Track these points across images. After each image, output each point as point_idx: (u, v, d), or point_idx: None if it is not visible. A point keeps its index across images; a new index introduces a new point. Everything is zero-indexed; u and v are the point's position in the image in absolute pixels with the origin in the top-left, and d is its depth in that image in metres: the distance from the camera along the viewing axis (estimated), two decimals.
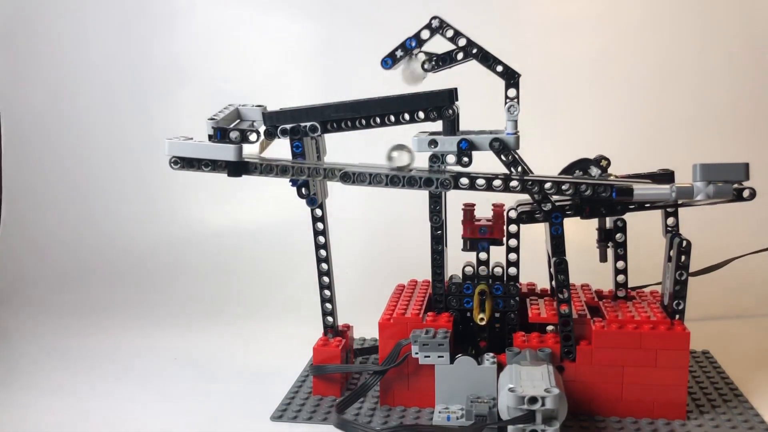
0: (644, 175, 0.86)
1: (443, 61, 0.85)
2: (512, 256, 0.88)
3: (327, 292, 0.92)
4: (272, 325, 1.19)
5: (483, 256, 0.89)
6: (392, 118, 0.82)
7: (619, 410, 0.83)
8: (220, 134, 0.82)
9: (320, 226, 0.90)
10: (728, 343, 1.06)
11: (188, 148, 0.83)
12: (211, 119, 0.83)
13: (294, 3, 1.62)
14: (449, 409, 0.80)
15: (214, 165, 0.83)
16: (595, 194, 0.79)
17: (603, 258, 0.93)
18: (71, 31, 1.66)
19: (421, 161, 0.83)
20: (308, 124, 0.83)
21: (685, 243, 0.83)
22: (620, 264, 0.92)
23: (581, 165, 0.84)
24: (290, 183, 0.87)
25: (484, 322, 0.85)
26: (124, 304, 1.31)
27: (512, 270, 0.88)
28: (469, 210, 0.88)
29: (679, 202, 0.86)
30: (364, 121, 0.83)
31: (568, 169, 0.85)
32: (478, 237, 0.88)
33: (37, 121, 1.67)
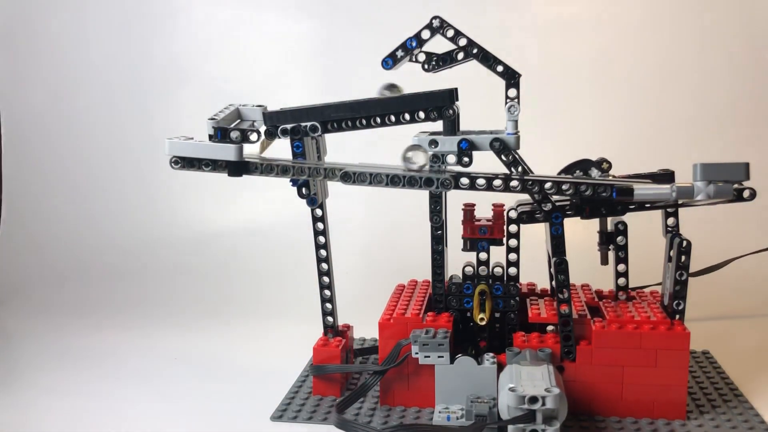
0: (644, 175, 0.86)
1: (443, 61, 0.85)
2: (512, 256, 0.88)
3: (327, 292, 0.92)
4: (272, 325, 1.19)
5: (483, 256, 0.89)
6: (392, 118, 0.82)
7: (619, 410, 0.83)
8: (220, 134, 0.82)
9: (320, 226, 0.90)
10: (728, 343, 1.06)
11: (189, 148, 0.83)
12: (212, 119, 0.83)
13: (294, 3, 1.62)
14: (449, 409, 0.80)
15: (215, 165, 0.83)
16: (596, 194, 0.79)
17: (604, 261, 0.93)
18: (71, 31, 1.66)
19: None
20: (308, 124, 0.83)
21: (685, 243, 0.83)
22: (621, 267, 0.92)
23: (582, 165, 0.84)
24: (290, 183, 0.87)
25: (484, 322, 0.85)
26: (124, 304, 1.31)
27: (512, 270, 0.88)
28: (469, 210, 0.88)
29: (680, 202, 0.86)
30: (364, 121, 0.83)
31: (569, 169, 0.85)
32: (478, 237, 0.88)
33: (37, 121, 1.67)
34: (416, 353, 0.81)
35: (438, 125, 0.83)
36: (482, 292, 0.87)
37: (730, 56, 1.51)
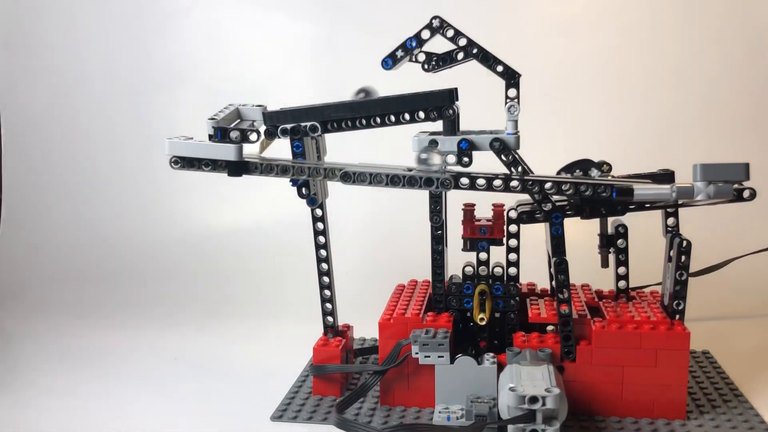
0: (644, 175, 0.86)
1: (443, 61, 0.84)
2: (512, 256, 0.88)
3: (327, 292, 0.92)
4: (272, 325, 1.19)
5: (483, 256, 0.89)
6: (392, 118, 0.82)
7: (619, 410, 0.83)
8: (220, 134, 0.82)
9: (320, 226, 0.90)
10: (728, 343, 1.06)
11: (188, 148, 0.83)
12: (212, 119, 0.83)
13: (294, 3, 1.62)
14: (449, 409, 0.80)
15: (215, 165, 0.83)
16: (596, 194, 0.79)
17: (604, 264, 0.93)
18: (71, 31, 1.66)
19: None
20: (308, 123, 0.83)
21: (685, 243, 0.83)
22: (621, 270, 0.92)
23: (582, 165, 0.84)
24: (290, 183, 0.87)
25: (484, 322, 0.85)
26: (123, 304, 1.31)
27: (512, 270, 0.88)
28: (469, 210, 0.88)
29: (680, 202, 0.86)
30: (364, 121, 0.83)
31: (569, 168, 0.85)
32: (478, 237, 0.88)
33: (37, 121, 1.67)
34: (416, 353, 0.81)
35: (438, 125, 0.83)
36: (482, 292, 0.87)
37: (730, 56, 1.51)
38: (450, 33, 0.83)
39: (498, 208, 0.88)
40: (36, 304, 1.33)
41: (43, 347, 1.11)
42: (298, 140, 0.85)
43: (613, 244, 0.91)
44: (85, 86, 1.66)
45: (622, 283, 0.92)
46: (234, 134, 0.82)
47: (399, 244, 1.44)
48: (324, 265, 0.91)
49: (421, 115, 0.81)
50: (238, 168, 0.83)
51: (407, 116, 0.82)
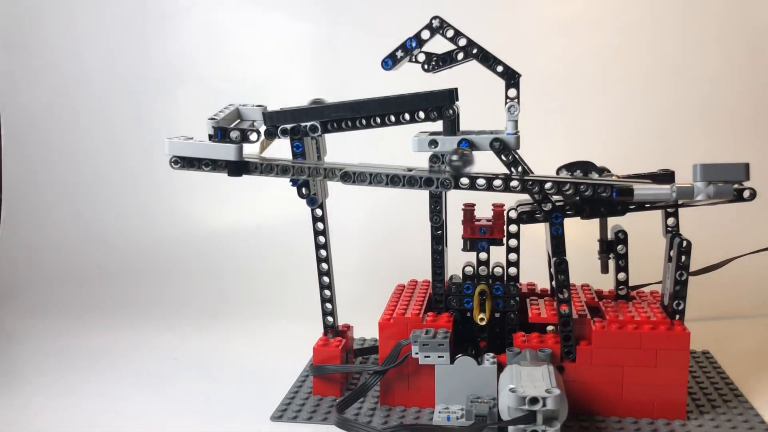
0: (644, 175, 0.86)
1: (443, 61, 0.84)
2: (512, 256, 0.88)
3: (327, 292, 0.92)
4: (272, 325, 1.19)
5: (483, 256, 0.89)
6: (392, 118, 0.82)
7: (619, 410, 0.83)
8: (220, 134, 0.82)
9: (320, 226, 0.90)
10: (728, 343, 1.06)
11: (189, 148, 0.83)
12: (212, 119, 0.83)
13: (294, 3, 1.62)
14: (449, 409, 0.80)
15: (215, 164, 0.83)
16: (596, 194, 0.79)
17: (604, 269, 0.93)
18: (71, 31, 1.66)
19: (422, 161, 0.83)
20: (308, 124, 0.83)
21: (685, 243, 0.83)
22: (621, 276, 0.92)
23: (583, 167, 0.84)
24: (290, 183, 0.87)
25: (484, 322, 0.85)
26: (123, 304, 1.31)
27: (512, 270, 0.88)
28: (469, 210, 0.88)
29: (680, 202, 0.86)
30: (364, 121, 0.83)
31: (570, 167, 0.84)
32: (478, 237, 0.88)
33: (37, 121, 1.67)
34: (416, 353, 0.81)
35: (438, 125, 0.83)
36: (482, 292, 0.87)
37: (730, 56, 1.51)
38: (450, 33, 0.83)
39: (498, 208, 0.88)
40: (35, 304, 1.33)
41: (42, 347, 1.11)
42: (298, 140, 0.85)
43: (613, 250, 0.91)
44: (85, 86, 1.66)
45: (622, 290, 0.92)
46: (234, 134, 0.82)
47: (399, 244, 1.44)
48: (324, 265, 0.91)
49: (421, 115, 0.81)
50: (238, 168, 0.83)
51: (407, 116, 0.82)
